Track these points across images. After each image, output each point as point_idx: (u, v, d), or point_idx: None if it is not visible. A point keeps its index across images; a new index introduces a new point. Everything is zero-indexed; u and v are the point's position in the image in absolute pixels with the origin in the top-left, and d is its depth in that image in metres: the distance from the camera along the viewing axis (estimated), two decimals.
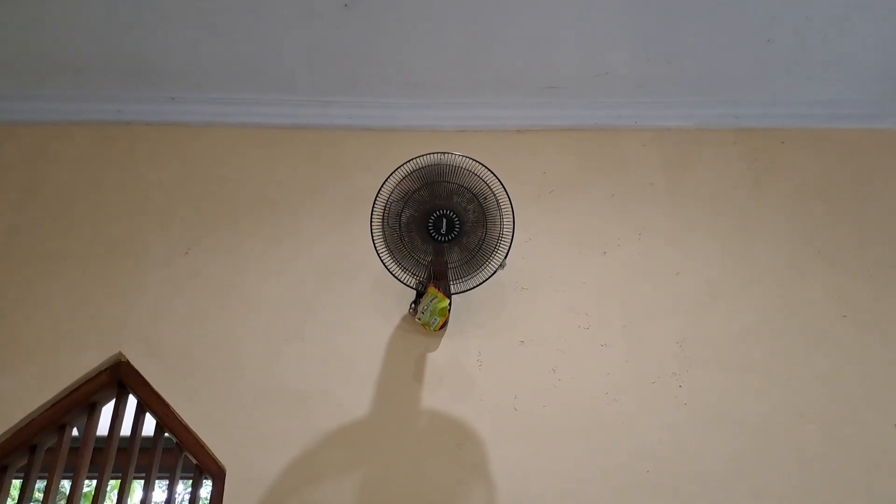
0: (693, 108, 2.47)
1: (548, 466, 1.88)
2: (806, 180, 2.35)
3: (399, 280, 1.94)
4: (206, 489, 1.94)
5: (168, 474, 1.95)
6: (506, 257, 1.93)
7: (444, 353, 2.04)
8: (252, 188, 2.31)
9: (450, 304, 1.89)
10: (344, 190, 2.31)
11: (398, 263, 1.93)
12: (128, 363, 1.99)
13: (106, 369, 1.99)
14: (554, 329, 2.09)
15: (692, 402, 1.97)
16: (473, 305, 2.10)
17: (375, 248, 1.91)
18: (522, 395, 1.98)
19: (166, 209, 2.26)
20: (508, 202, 1.90)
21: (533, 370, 2.02)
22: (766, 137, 2.44)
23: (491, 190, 1.88)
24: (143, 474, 1.93)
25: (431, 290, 1.86)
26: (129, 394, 2.02)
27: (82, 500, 1.90)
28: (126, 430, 1.99)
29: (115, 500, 1.87)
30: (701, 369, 2.02)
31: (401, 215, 1.88)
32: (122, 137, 2.40)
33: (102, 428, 2.01)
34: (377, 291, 2.11)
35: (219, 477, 1.85)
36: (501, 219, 1.90)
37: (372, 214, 1.91)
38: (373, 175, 2.07)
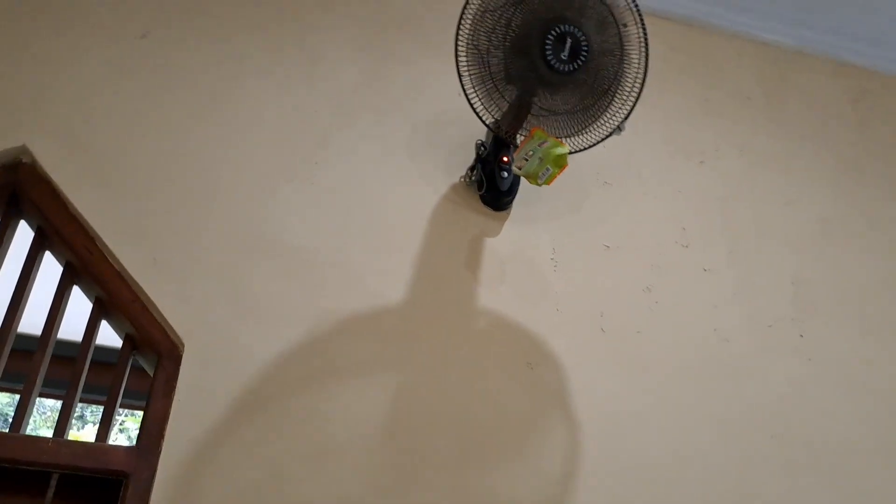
0: (795, 28, 2.04)
1: (647, 405, 1.36)
2: None
3: (477, 114, 1.33)
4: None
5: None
6: (627, 117, 1.39)
7: (508, 242, 1.45)
8: None
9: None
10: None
11: (477, 94, 1.33)
12: (32, 166, 1.26)
13: None
14: (646, 239, 1.56)
15: (817, 358, 1.50)
16: (543, 190, 1.53)
17: (458, 69, 1.30)
18: (611, 314, 1.43)
19: None
20: (644, 35, 1.36)
21: (623, 285, 1.48)
22: (871, 79, 2.05)
23: (634, 11, 1.33)
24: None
25: (539, 131, 1.28)
26: (25, 215, 1.28)
27: None
28: (12, 272, 1.25)
29: None
30: (824, 319, 1.56)
31: (510, 23, 1.28)
32: None
33: None
34: (419, 144, 1.50)
35: (168, 356, 1.16)
36: (641, 55, 1.35)
37: (463, 16, 1.29)
38: None
